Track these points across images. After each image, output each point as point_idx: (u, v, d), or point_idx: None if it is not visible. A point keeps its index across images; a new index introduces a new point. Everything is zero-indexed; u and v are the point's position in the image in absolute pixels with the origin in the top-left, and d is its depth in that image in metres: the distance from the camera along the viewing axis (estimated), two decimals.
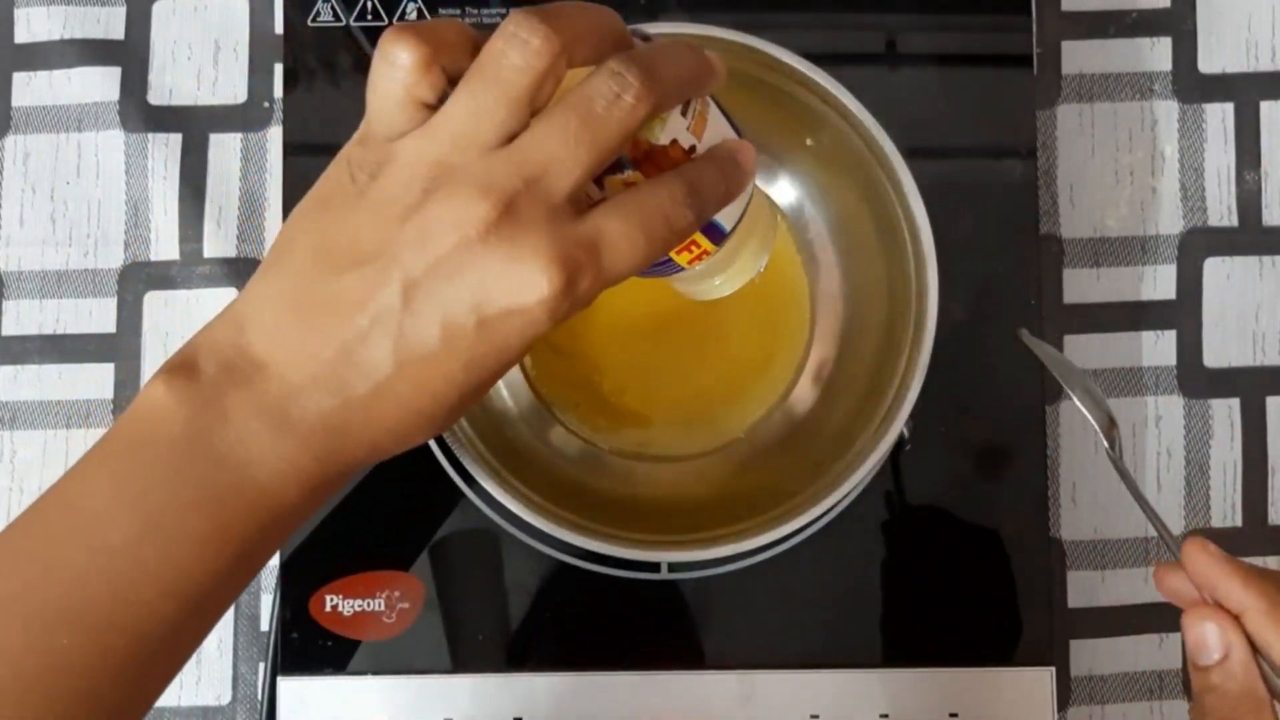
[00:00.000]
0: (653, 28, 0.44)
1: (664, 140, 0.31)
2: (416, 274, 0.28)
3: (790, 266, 0.48)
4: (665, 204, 0.29)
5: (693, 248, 0.33)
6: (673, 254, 0.33)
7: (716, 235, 0.33)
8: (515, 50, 0.27)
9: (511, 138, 0.28)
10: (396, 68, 0.28)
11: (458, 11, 0.48)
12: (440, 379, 0.29)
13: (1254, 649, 0.32)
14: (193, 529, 0.28)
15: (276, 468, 0.29)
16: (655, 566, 0.46)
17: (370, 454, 0.30)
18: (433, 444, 0.46)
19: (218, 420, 0.28)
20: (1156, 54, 0.52)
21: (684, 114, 0.31)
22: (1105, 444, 0.38)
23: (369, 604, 0.45)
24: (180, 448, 0.28)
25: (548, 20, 0.28)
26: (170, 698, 0.48)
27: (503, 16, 0.48)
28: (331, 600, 0.45)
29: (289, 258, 0.30)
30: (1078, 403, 0.38)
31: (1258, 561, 0.49)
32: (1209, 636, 0.32)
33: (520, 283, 0.27)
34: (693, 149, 0.31)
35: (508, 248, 0.27)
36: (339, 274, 0.28)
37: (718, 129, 0.32)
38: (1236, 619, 0.32)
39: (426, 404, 0.29)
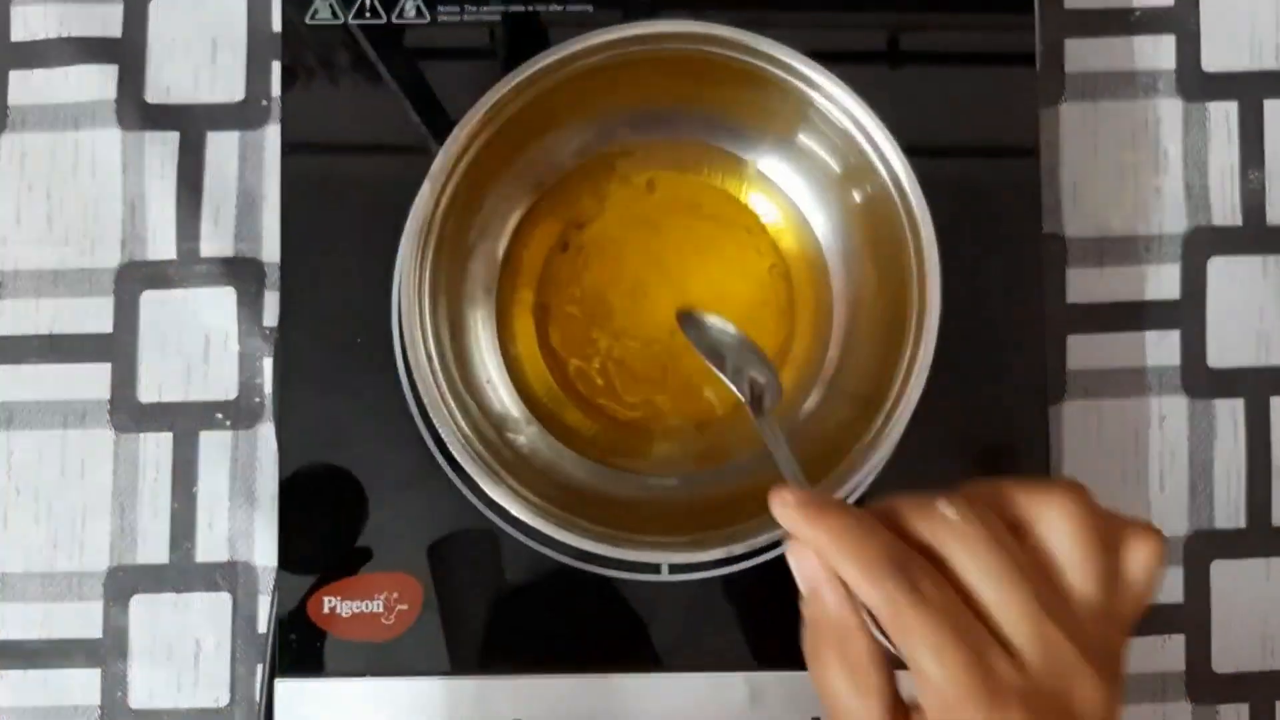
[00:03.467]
0: (654, 25, 0.43)
1: None
2: None
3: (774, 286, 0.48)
4: None
5: None
6: None
7: None
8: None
9: None
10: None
11: (456, 9, 0.48)
12: None
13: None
14: None
15: None
16: (656, 568, 0.46)
17: None
18: (431, 445, 0.46)
19: None
20: (1160, 52, 0.51)
21: None
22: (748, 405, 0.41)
23: (367, 605, 0.45)
24: None
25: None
26: (168, 700, 0.48)
27: (503, 15, 0.48)
28: (330, 602, 0.45)
29: None
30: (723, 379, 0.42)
31: (1261, 563, 0.49)
32: (803, 571, 0.34)
33: None
34: None
35: None
36: None
37: None
38: None
39: None
